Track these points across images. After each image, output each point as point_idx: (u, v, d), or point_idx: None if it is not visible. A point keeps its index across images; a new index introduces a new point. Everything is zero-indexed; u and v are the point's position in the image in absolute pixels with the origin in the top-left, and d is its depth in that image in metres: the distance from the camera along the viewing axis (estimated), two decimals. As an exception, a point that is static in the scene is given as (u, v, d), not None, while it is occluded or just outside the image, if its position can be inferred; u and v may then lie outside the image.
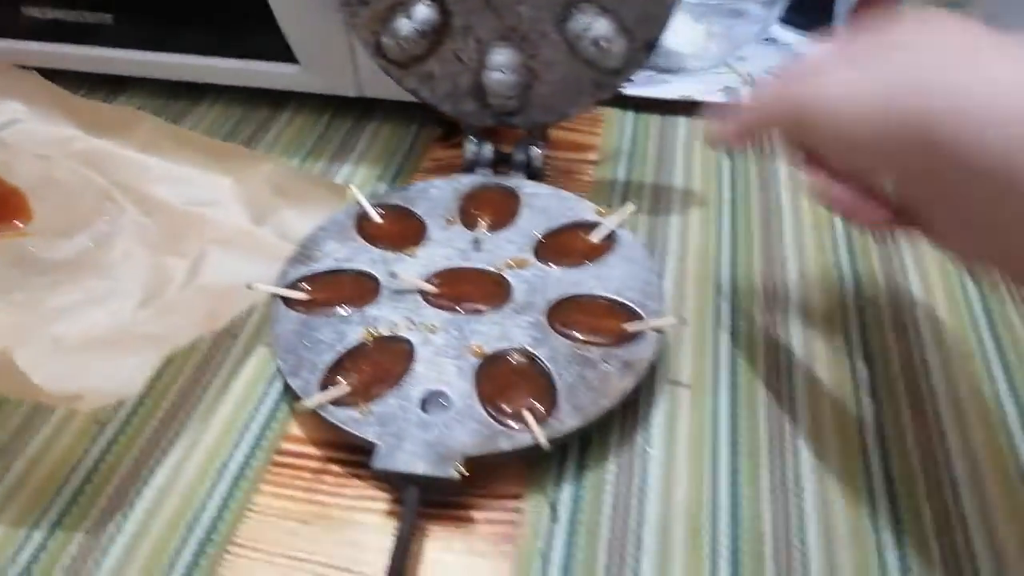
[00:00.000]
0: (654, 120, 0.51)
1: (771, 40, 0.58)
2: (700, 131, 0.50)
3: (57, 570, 0.29)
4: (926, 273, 0.40)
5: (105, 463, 0.33)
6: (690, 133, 0.50)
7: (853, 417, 0.34)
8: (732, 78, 0.54)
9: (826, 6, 0.53)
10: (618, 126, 0.50)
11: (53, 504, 0.31)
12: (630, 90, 0.51)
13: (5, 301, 0.36)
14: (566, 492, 0.31)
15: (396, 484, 0.31)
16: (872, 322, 0.38)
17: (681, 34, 0.54)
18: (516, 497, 0.31)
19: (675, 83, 0.52)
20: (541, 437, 0.30)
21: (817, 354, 0.36)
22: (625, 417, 0.34)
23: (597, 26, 0.39)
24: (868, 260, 0.41)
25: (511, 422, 0.31)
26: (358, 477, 0.32)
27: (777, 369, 0.36)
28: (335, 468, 0.32)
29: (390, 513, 0.31)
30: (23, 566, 0.30)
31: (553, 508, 0.31)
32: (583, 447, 0.33)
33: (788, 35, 0.59)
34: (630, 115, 0.51)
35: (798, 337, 0.37)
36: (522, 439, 0.30)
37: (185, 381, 0.36)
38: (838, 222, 0.43)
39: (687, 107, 0.51)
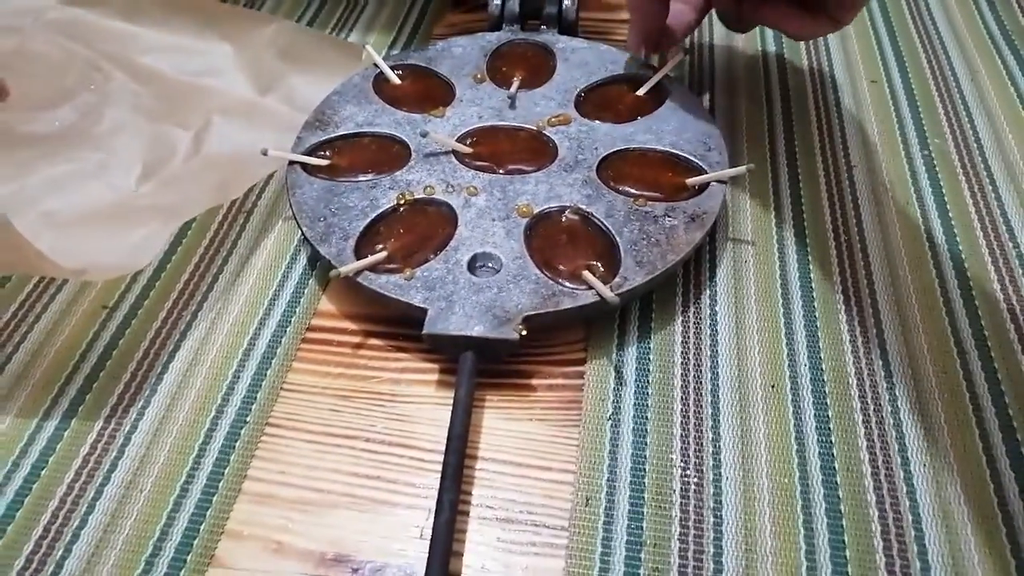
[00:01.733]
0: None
1: None
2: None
3: (76, 460, 0.26)
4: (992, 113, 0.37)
5: (118, 348, 0.30)
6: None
7: (930, 265, 0.31)
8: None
9: None
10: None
11: (64, 392, 0.28)
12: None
13: (-13, 179, 0.32)
14: (630, 354, 0.29)
15: (449, 351, 0.28)
16: (945, 173, 0.35)
17: None
18: (578, 363, 0.29)
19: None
20: (606, 292, 0.27)
21: (887, 206, 0.33)
22: (688, 276, 0.31)
23: None
24: (930, 110, 0.38)
25: (569, 281, 0.28)
26: (402, 350, 0.29)
27: (845, 226, 0.33)
28: (375, 342, 0.29)
29: (442, 383, 0.28)
30: (36, 457, 0.27)
31: (618, 372, 0.28)
32: (644, 308, 0.30)
33: None
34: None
35: (863, 190, 0.34)
36: (584, 297, 0.27)
37: (199, 259, 0.32)
38: (898, 88, 0.40)
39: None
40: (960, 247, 0.32)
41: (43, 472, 0.26)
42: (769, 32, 0.42)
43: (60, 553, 0.24)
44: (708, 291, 0.31)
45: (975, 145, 0.36)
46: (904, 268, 0.31)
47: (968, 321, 0.29)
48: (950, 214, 0.33)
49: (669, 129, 0.33)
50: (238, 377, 0.29)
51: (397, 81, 0.36)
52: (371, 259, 0.29)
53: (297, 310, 0.31)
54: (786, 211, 0.33)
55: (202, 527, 0.25)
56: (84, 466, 0.26)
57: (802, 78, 0.40)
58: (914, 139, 0.36)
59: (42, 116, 0.35)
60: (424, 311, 0.27)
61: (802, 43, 0.41)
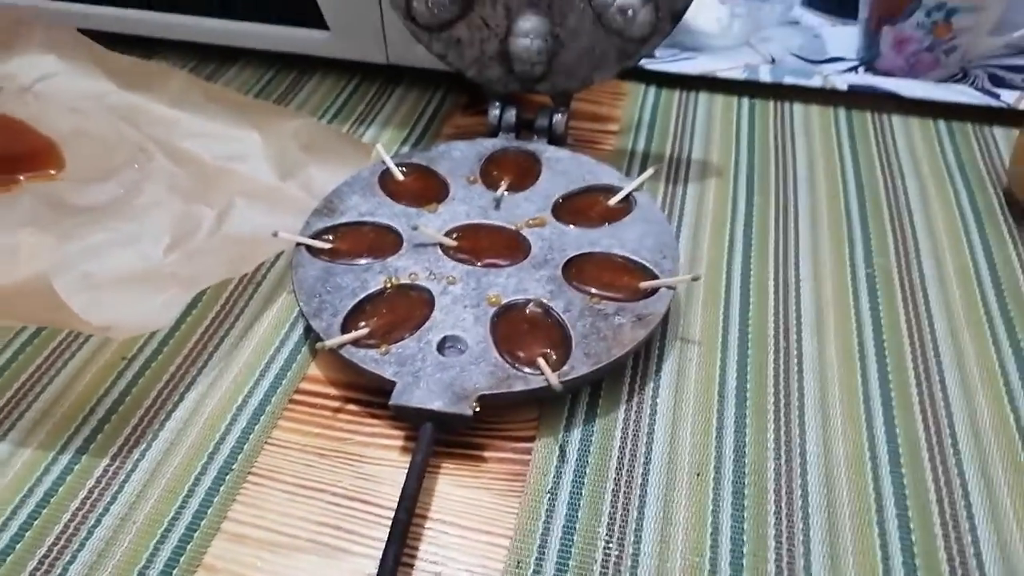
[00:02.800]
0: (675, 95, 0.51)
1: (793, 22, 0.59)
2: (719, 106, 0.50)
3: (82, 491, 0.31)
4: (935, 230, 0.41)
5: (131, 395, 0.34)
6: (710, 107, 0.50)
7: (859, 380, 0.34)
8: (754, 56, 0.55)
9: (848, -10, 0.54)
10: (640, 100, 0.51)
11: (80, 431, 0.33)
12: (652, 65, 0.52)
13: (35, 240, 0.37)
14: (576, 435, 0.32)
15: (412, 420, 0.32)
16: (883, 287, 0.38)
17: (706, 14, 0.55)
18: (528, 439, 0.32)
19: (699, 59, 0.53)
20: (553, 379, 0.31)
21: (827, 318, 0.37)
22: (636, 368, 0.35)
23: (622, -6, 0.40)
24: (879, 221, 0.41)
25: (525, 367, 0.32)
26: (374, 416, 0.33)
27: (787, 330, 0.36)
28: (352, 407, 0.33)
29: (405, 449, 0.32)
30: (48, 486, 0.31)
31: (562, 450, 0.32)
32: (594, 395, 0.34)
33: (807, 15, 0.60)
34: (652, 89, 0.52)
35: (809, 304, 0.38)
36: (535, 381, 0.31)
37: (210, 323, 0.37)
38: (853, 198, 0.44)
39: (708, 83, 0.52)
40: (888, 361, 0.35)
41: (52, 499, 0.30)
42: (743, 149, 0.47)
43: (58, 572, 0.28)
44: (652, 383, 0.34)
45: (916, 267, 0.39)
46: (834, 380, 0.34)
47: (885, 429, 0.32)
48: (883, 331, 0.36)
49: (632, 237, 0.38)
50: (230, 430, 0.33)
51: (400, 177, 0.41)
52: (353, 335, 0.33)
53: (288, 374, 0.35)
54: (733, 317, 0.37)
55: (182, 558, 0.28)
56: (88, 497, 0.30)
57: (766, 195, 0.44)
58: (860, 258, 0.40)
59: (91, 189, 0.40)
60: (393, 384, 0.31)
61: (770, 160, 0.46)
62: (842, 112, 0.50)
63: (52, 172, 0.43)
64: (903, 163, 0.46)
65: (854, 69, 0.54)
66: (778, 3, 0.56)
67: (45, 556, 0.29)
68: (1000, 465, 0.31)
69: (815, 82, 0.50)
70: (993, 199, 0.44)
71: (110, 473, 0.31)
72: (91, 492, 0.31)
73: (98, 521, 0.30)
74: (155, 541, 0.29)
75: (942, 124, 0.49)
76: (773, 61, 0.54)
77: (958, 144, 0.48)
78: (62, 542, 0.29)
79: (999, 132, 0.48)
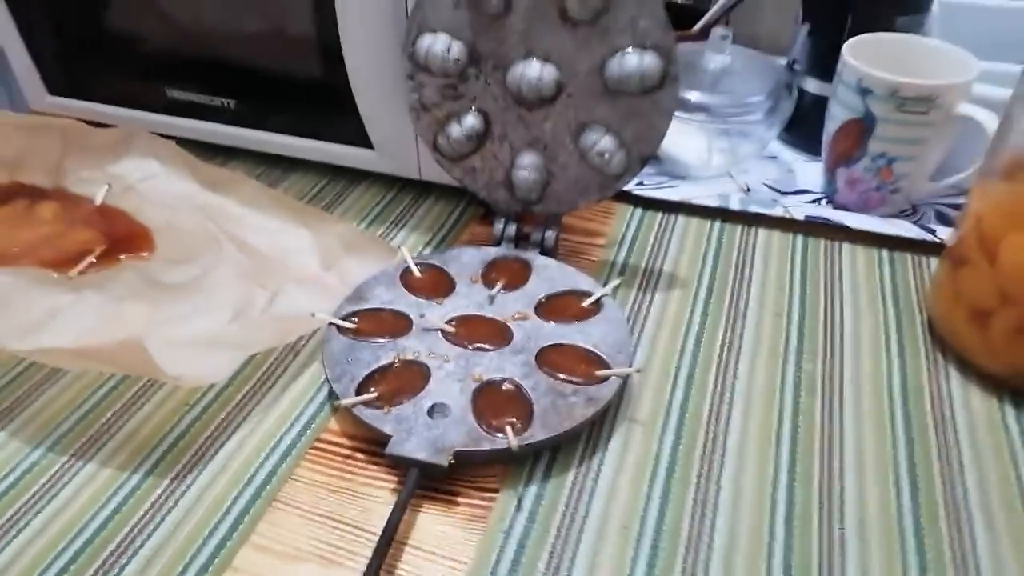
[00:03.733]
0: (657, 216, 0.61)
1: (772, 157, 0.69)
2: (693, 228, 0.60)
3: (145, 504, 0.40)
4: (859, 342, 0.48)
5: (189, 433, 0.43)
6: (686, 229, 0.60)
7: (771, 464, 0.42)
8: (731, 186, 0.64)
9: (819, 133, 0.63)
10: (626, 219, 0.61)
11: (148, 458, 0.42)
12: (639, 191, 0.62)
13: (132, 308, 0.48)
14: (532, 490, 0.40)
15: (402, 466, 0.40)
16: (806, 388, 0.46)
17: (690, 148, 0.65)
18: (493, 490, 0.40)
19: (681, 187, 0.63)
20: (513, 442, 0.39)
21: (753, 409, 0.45)
22: (588, 440, 0.43)
23: (603, 142, 0.50)
24: (813, 334, 0.49)
25: (494, 432, 0.41)
26: (375, 463, 0.42)
27: (717, 421, 0.44)
28: (359, 455, 0.42)
29: (395, 490, 0.40)
30: (120, 499, 0.40)
31: (519, 501, 0.40)
32: (551, 458, 0.42)
33: (785, 152, 0.69)
34: (638, 211, 0.62)
35: (740, 400, 0.45)
36: (500, 443, 0.40)
37: (256, 380, 0.47)
38: (795, 312, 0.52)
39: (686, 208, 0.61)
40: (799, 448, 0.43)
41: (123, 510, 0.39)
42: (708, 267, 0.55)
43: (119, 568, 0.37)
44: (600, 453, 0.42)
45: (838, 374, 0.47)
46: (749, 461, 0.42)
47: (785, 507, 0.40)
48: (799, 426, 0.44)
49: (596, 333, 0.46)
50: (263, 465, 0.42)
51: (418, 274, 0.51)
52: (364, 397, 0.42)
53: (313, 425, 0.44)
54: (675, 405, 0.45)
55: (215, 563, 0.37)
56: (149, 509, 0.39)
57: (721, 305, 0.52)
58: (792, 362, 0.48)
59: (175, 269, 0.51)
60: (390, 437, 0.40)
61: (729, 277, 0.54)
62: (799, 239, 0.59)
63: (145, 254, 0.54)
64: (845, 286, 0.54)
65: (818, 201, 0.63)
66: (756, 141, 0.65)
67: (111, 554, 0.38)
68: (877, 547, 0.38)
69: (777, 211, 0.59)
70: (918, 324, 0.51)
71: (167, 492, 0.40)
72: (152, 505, 0.40)
73: (155, 528, 0.39)
74: (195, 548, 0.38)
75: (885, 253, 0.57)
76: (748, 190, 0.64)
77: (896, 272, 0.56)
78: (125, 544, 0.38)
79: (935, 264, 0.56)
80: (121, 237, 0.55)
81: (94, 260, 0.53)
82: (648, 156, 0.50)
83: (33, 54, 0.67)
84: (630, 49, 0.47)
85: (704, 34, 0.68)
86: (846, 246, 0.58)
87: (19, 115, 0.61)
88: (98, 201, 0.58)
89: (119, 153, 0.61)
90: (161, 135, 0.62)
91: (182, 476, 0.41)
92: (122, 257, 0.54)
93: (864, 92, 0.55)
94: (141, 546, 0.38)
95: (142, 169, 0.60)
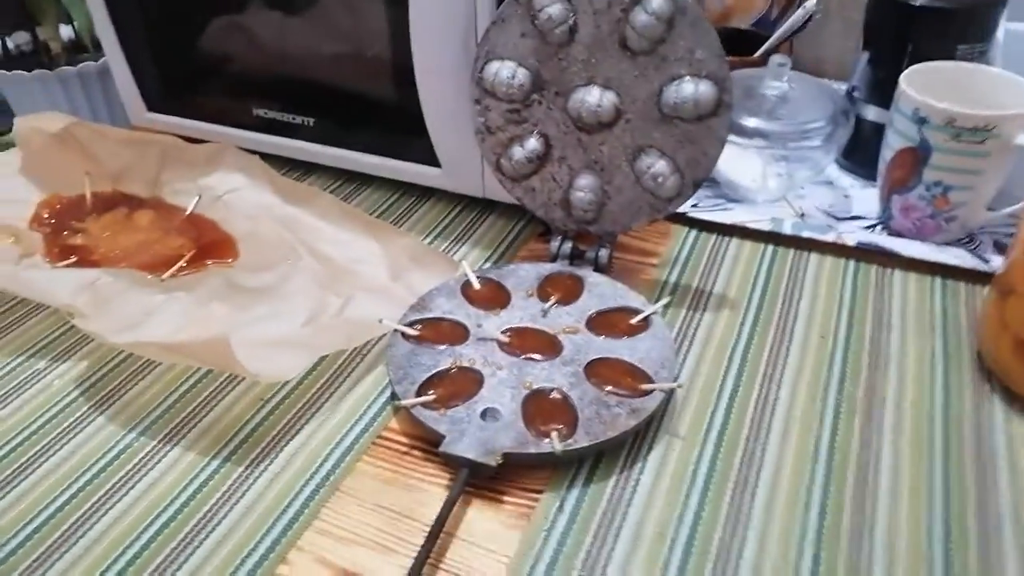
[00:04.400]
0: (710, 238, 0.63)
1: (828, 182, 0.70)
2: (746, 251, 0.61)
3: (223, 487, 0.44)
4: (904, 369, 0.49)
5: (264, 425, 0.48)
6: (738, 251, 0.61)
7: (804, 485, 0.43)
8: (786, 211, 0.66)
9: (876, 158, 0.64)
10: (681, 240, 0.63)
11: (227, 445, 0.46)
12: (695, 213, 0.64)
13: (217, 309, 0.53)
14: (573, 494, 0.43)
15: (454, 464, 0.43)
16: (846, 411, 0.47)
17: (748, 172, 0.66)
18: (537, 491, 0.43)
19: (736, 210, 0.65)
20: (558, 447, 0.42)
21: (791, 433, 0.46)
22: (630, 450, 0.45)
23: (658, 165, 0.52)
24: (858, 359, 0.51)
25: (540, 437, 0.43)
26: (430, 460, 0.45)
27: (756, 439, 0.46)
28: (416, 452, 0.46)
29: (447, 486, 0.44)
30: (201, 481, 0.44)
31: (561, 503, 0.43)
32: (594, 467, 0.44)
33: (842, 177, 0.70)
34: (693, 232, 0.64)
35: (780, 419, 0.47)
36: (545, 448, 0.43)
37: (327, 379, 0.51)
38: (841, 337, 0.53)
39: (740, 231, 0.63)
40: (833, 472, 0.44)
41: (202, 492, 0.44)
42: (758, 289, 0.57)
43: (197, 544, 0.41)
44: (640, 463, 0.45)
45: (878, 399, 0.48)
46: (784, 479, 0.44)
47: (817, 521, 0.41)
48: (835, 449, 0.45)
49: (643, 348, 0.49)
50: (329, 457, 0.46)
51: (477, 287, 0.54)
52: (422, 399, 0.46)
53: (376, 423, 0.48)
54: (716, 422, 0.47)
55: (282, 543, 0.41)
56: (226, 491, 0.44)
57: (768, 327, 0.54)
58: (834, 386, 0.49)
59: (256, 276, 0.56)
60: (444, 437, 0.43)
61: (778, 300, 0.56)
62: (851, 264, 0.60)
63: (229, 261, 0.59)
64: (894, 311, 0.55)
65: (873, 227, 0.64)
66: (813, 166, 0.67)
67: (191, 530, 0.42)
68: (904, 571, 0.39)
69: (829, 237, 0.61)
70: (965, 353, 0.52)
71: (242, 478, 0.45)
72: (229, 488, 0.44)
73: (230, 510, 0.43)
74: (266, 528, 0.42)
75: (938, 281, 0.58)
76: (803, 215, 0.65)
77: (947, 300, 0.56)
78: (203, 523, 0.42)
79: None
80: (208, 244, 0.60)
81: (184, 265, 0.58)
82: (700, 180, 0.52)
83: (135, 73, 0.74)
84: (687, 77, 0.50)
85: (764, 60, 0.70)
86: (898, 273, 0.59)
87: (124, 130, 0.67)
88: (189, 211, 0.63)
89: (210, 167, 0.66)
90: (248, 150, 0.67)
91: (256, 464, 0.45)
92: (209, 263, 0.59)
93: (920, 121, 0.56)
94: (218, 524, 0.42)
95: (229, 182, 0.65)
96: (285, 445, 0.46)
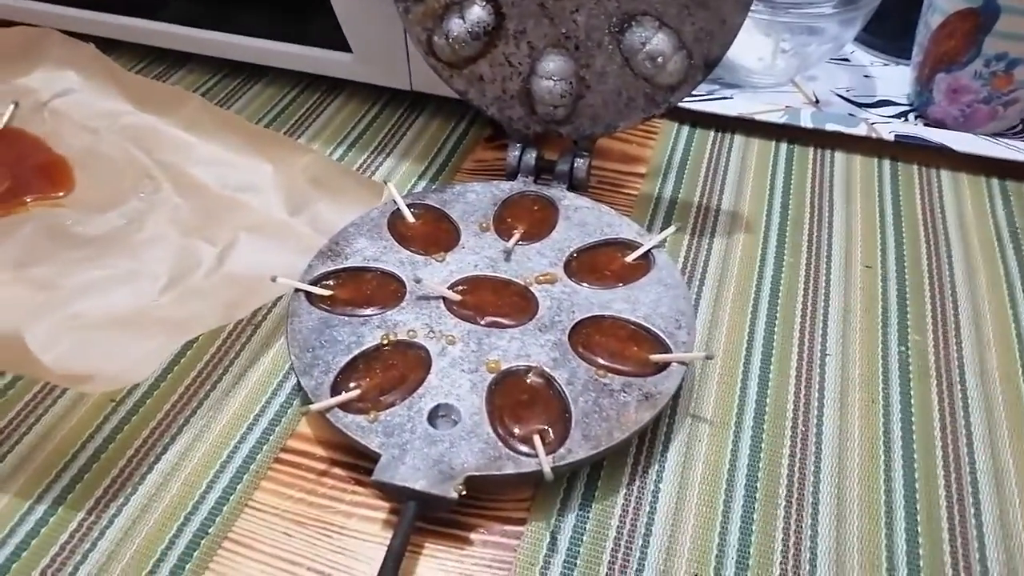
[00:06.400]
0: (709, 135, 0.49)
1: (843, 60, 0.56)
2: (755, 151, 0.48)
3: (54, 547, 0.30)
4: (983, 332, 0.38)
5: (114, 442, 0.33)
6: (745, 151, 0.48)
7: (881, 474, 0.32)
8: (797, 98, 0.52)
9: (907, 29, 0.50)
10: (671, 139, 0.49)
11: (59, 479, 0.32)
12: (687, 103, 0.49)
13: (30, 275, 0.36)
14: (569, 521, 0.30)
15: (394, 498, 0.30)
16: (917, 368, 0.35)
17: (749, 48, 0.52)
18: (518, 522, 0.30)
19: (737, 99, 0.50)
20: (546, 466, 0.29)
21: (851, 400, 0.34)
22: (641, 448, 0.33)
23: (655, 41, 0.37)
24: (918, 293, 0.38)
25: (519, 445, 0.30)
26: (360, 484, 0.31)
27: (807, 413, 0.34)
28: (338, 472, 0.32)
29: (387, 523, 0.30)
30: (22, 537, 0.30)
31: (552, 536, 0.30)
32: (593, 475, 0.32)
33: (862, 56, 0.56)
34: (685, 129, 0.50)
35: (832, 381, 0.35)
36: (527, 464, 0.29)
37: (202, 367, 0.36)
38: (892, 265, 0.41)
39: (745, 125, 0.49)
40: (916, 456, 0.32)
41: (24, 554, 0.29)
42: (777, 202, 0.44)
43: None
44: (657, 466, 0.32)
45: (955, 349, 0.37)
46: (854, 474, 0.32)
47: (905, 537, 0.30)
48: (912, 421, 0.34)
49: (646, 300, 0.35)
50: (211, 488, 0.31)
51: (411, 219, 0.40)
52: (342, 397, 0.31)
53: (276, 430, 0.33)
54: (751, 394, 0.35)
55: (145, 632, 0.27)
56: (60, 553, 0.29)
57: (798, 255, 0.41)
58: (894, 333, 0.37)
59: (94, 219, 0.40)
60: (379, 456, 0.30)
61: (805, 221, 0.43)
62: (887, 164, 0.47)
63: (60, 194, 0.42)
64: (949, 226, 0.43)
65: (903, 115, 0.51)
66: (828, 40, 0.52)
67: (13, 611, 0.28)
68: (1033, 590, 0.28)
69: (860, 130, 0.47)
70: (1046, 271, 0.40)
71: (84, 528, 0.30)
72: (63, 548, 0.30)
73: (68, 578, 0.29)
74: (120, 609, 0.28)
75: (995, 183, 0.46)
76: (817, 102, 0.52)
77: (1012, 207, 0.44)
78: (32, 596, 0.28)
79: (1059, 194, 0.45)
80: (30, 171, 0.43)
81: (-7, 203, 0.41)
82: (716, 59, 0.37)
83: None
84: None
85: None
86: (945, 174, 0.46)
87: None
88: (2, 124, 0.46)
89: (28, 62, 0.49)
90: (79, 36, 0.49)
91: (103, 505, 0.31)
92: (28, 199, 0.42)
93: (985, -28, 0.43)
94: (45, 609, 0.28)
95: (57, 82, 0.48)
96: (146, 474, 0.32)
